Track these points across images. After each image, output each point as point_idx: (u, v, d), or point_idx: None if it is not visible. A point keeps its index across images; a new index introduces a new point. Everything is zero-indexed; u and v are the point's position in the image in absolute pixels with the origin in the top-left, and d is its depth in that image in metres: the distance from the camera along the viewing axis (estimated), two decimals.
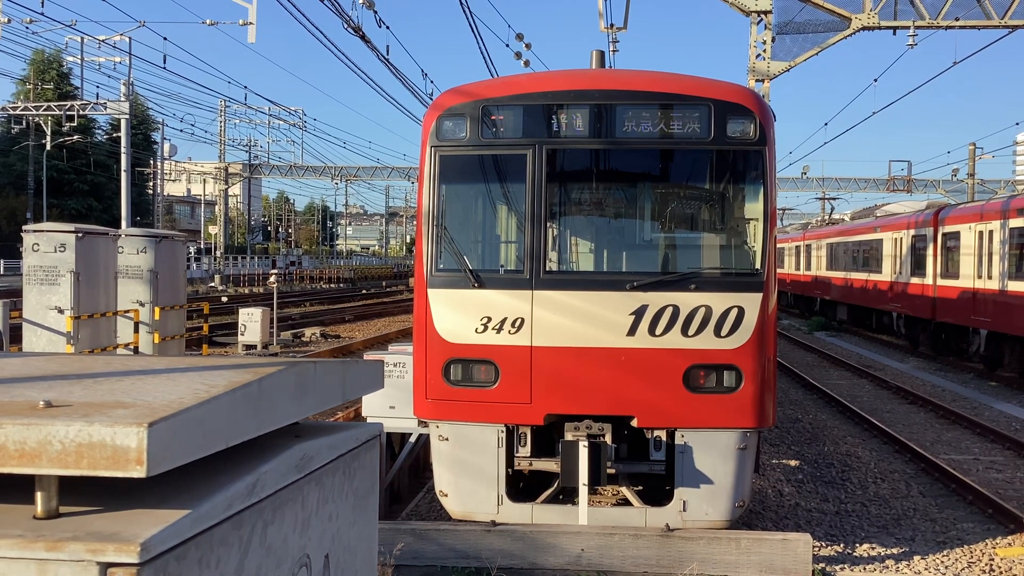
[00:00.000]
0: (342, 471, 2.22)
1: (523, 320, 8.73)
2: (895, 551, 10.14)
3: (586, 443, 8.40)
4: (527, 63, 25.44)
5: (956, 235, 27.55)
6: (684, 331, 8.61)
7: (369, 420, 11.51)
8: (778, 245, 56.88)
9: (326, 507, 2.11)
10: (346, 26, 17.68)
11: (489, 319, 8.78)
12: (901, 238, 33.01)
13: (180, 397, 1.60)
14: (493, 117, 9.01)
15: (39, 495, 1.49)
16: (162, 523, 1.45)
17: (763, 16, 24.28)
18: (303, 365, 2.02)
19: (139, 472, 1.42)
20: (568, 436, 8.69)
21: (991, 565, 9.79)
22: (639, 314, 8.62)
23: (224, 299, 46.27)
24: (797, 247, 53.45)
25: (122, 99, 46.46)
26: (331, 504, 2.14)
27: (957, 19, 23.81)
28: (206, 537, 1.55)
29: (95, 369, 1.97)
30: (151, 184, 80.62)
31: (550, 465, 8.82)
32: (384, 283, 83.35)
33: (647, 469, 8.91)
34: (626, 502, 9.30)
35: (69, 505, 1.54)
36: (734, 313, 8.62)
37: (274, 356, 23.76)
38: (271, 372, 1.85)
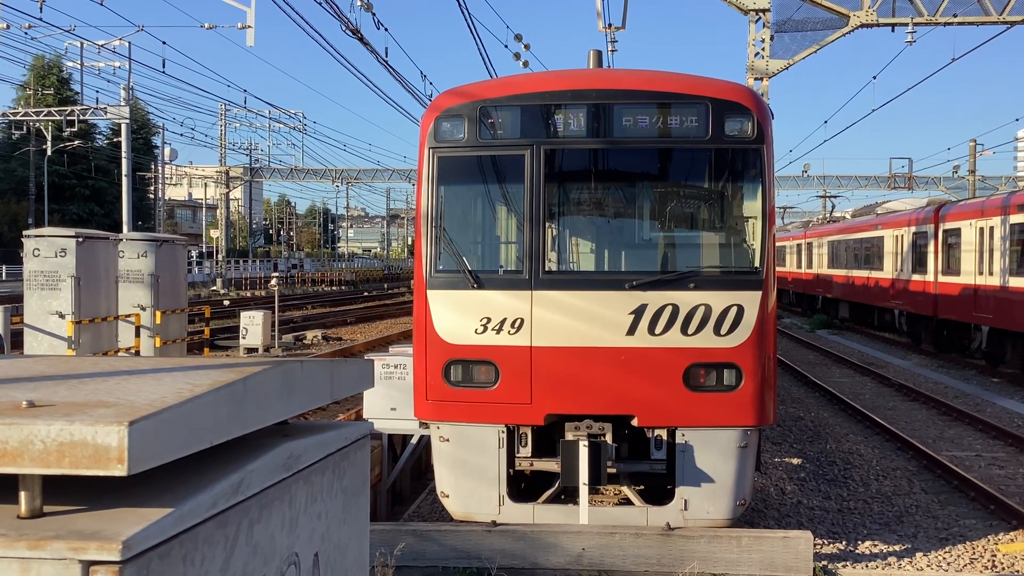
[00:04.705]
0: (331, 470, 2.22)
1: (523, 320, 8.73)
2: (897, 548, 10.13)
3: (586, 443, 8.39)
4: (526, 63, 25.45)
5: (957, 232, 27.53)
6: (684, 330, 8.61)
7: (369, 421, 11.51)
8: (780, 243, 56.76)
9: (315, 505, 2.11)
10: (344, 28, 17.69)
11: (489, 320, 8.78)
12: (902, 235, 33.00)
13: (163, 396, 1.61)
14: (491, 118, 9.01)
15: (23, 494, 1.50)
16: (145, 521, 1.45)
17: (761, 14, 24.28)
18: (289, 364, 2.03)
19: (120, 471, 1.42)
20: (568, 436, 8.68)
21: (993, 561, 9.78)
22: (638, 313, 8.62)
23: (226, 302, 46.28)
24: (798, 245, 53.44)
25: (122, 104, 46.49)
26: (320, 502, 2.14)
27: (955, 15, 23.81)
28: (190, 535, 1.55)
29: (82, 370, 1.97)
30: (152, 188, 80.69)
31: (551, 465, 8.81)
32: (386, 285, 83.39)
33: (648, 468, 8.90)
34: (627, 501, 9.29)
35: (54, 504, 1.55)
36: (733, 311, 8.61)
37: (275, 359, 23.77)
38: (256, 371, 1.85)
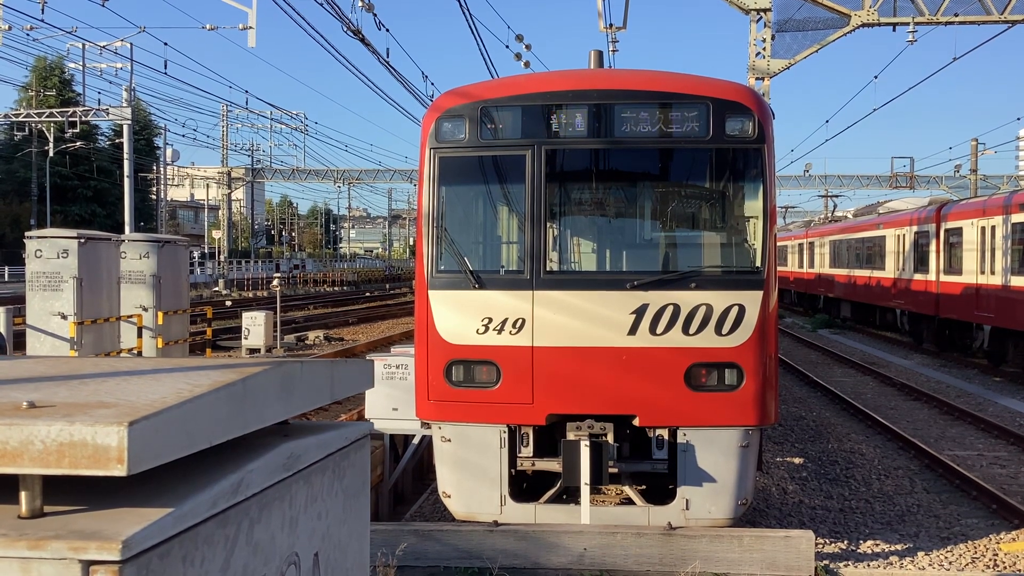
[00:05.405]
0: (331, 470, 2.22)
1: (524, 320, 8.73)
2: (899, 547, 10.13)
3: (588, 443, 8.40)
4: (527, 64, 25.48)
5: (959, 231, 27.51)
6: (685, 330, 8.61)
7: (369, 421, 11.51)
8: (781, 243, 56.73)
9: (315, 505, 2.11)
10: (346, 29, 17.71)
11: (490, 320, 8.78)
12: (904, 235, 32.99)
13: (163, 397, 1.61)
14: (492, 118, 9.01)
15: (23, 495, 1.50)
16: (145, 521, 1.46)
17: (762, 14, 24.27)
18: (289, 365, 2.03)
19: (120, 471, 1.43)
20: (570, 436, 8.68)
21: (995, 560, 9.78)
22: (640, 313, 8.62)
23: (228, 303, 46.33)
24: (800, 245, 53.42)
25: (124, 105, 46.49)
26: (320, 502, 2.15)
27: (956, 15, 23.79)
28: (190, 535, 1.56)
29: (83, 371, 1.98)
30: (154, 189, 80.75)
31: (552, 465, 8.82)
32: (387, 285, 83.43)
33: (649, 468, 8.90)
34: (629, 501, 9.30)
35: (55, 504, 1.56)
36: (735, 311, 8.62)
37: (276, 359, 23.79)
38: (256, 372, 1.86)
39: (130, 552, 1.39)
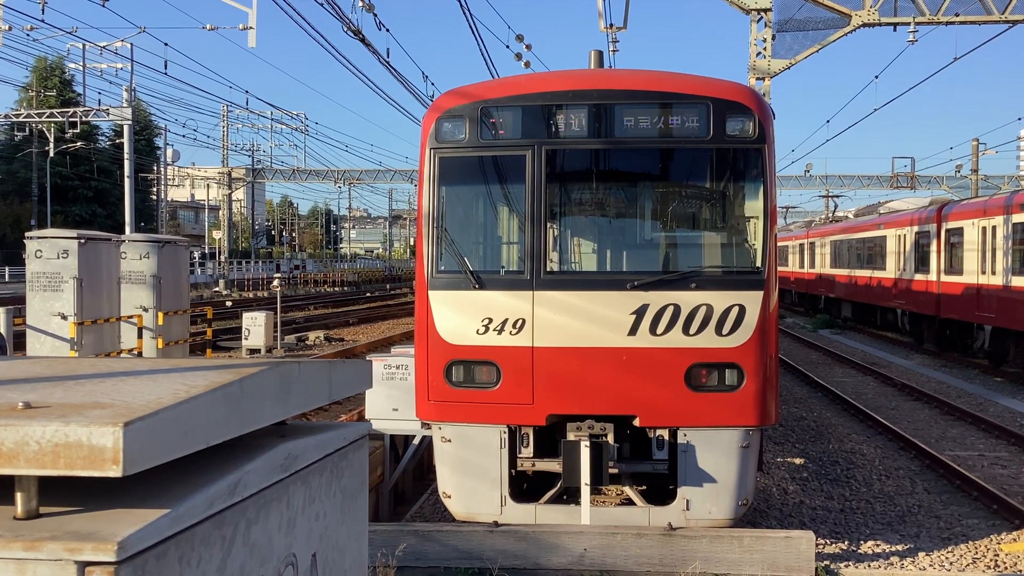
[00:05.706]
0: (329, 470, 2.22)
1: (524, 320, 8.73)
2: (900, 548, 10.12)
3: (588, 443, 8.39)
4: (527, 64, 25.47)
5: (960, 231, 27.50)
6: (685, 330, 8.60)
7: (368, 421, 11.51)
8: (782, 243, 56.70)
9: (313, 506, 2.11)
10: (346, 29, 17.71)
11: (490, 320, 8.78)
12: (905, 235, 32.98)
13: (159, 397, 1.61)
14: (492, 118, 9.01)
15: (18, 495, 1.50)
16: (141, 522, 1.45)
17: (763, 14, 24.26)
18: (286, 365, 2.03)
19: (115, 472, 1.42)
20: (570, 436, 8.68)
21: (996, 561, 9.77)
22: (640, 313, 8.61)
23: (228, 303, 46.34)
24: (801, 245, 53.42)
25: (124, 105, 46.49)
26: (318, 503, 2.14)
27: (957, 15, 23.77)
28: (187, 536, 1.55)
29: (79, 371, 1.97)
30: (155, 190, 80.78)
31: (552, 465, 8.81)
32: (388, 286, 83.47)
33: (650, 468, 8.90)
34: (629, 502, 9.29)
35: (51, 505, 1.55)
36: (735, 311, 8.61)
37: (274, 360, 23.79)
38: (253, 372, 1.85)
39: (126, 553, 1.39)
